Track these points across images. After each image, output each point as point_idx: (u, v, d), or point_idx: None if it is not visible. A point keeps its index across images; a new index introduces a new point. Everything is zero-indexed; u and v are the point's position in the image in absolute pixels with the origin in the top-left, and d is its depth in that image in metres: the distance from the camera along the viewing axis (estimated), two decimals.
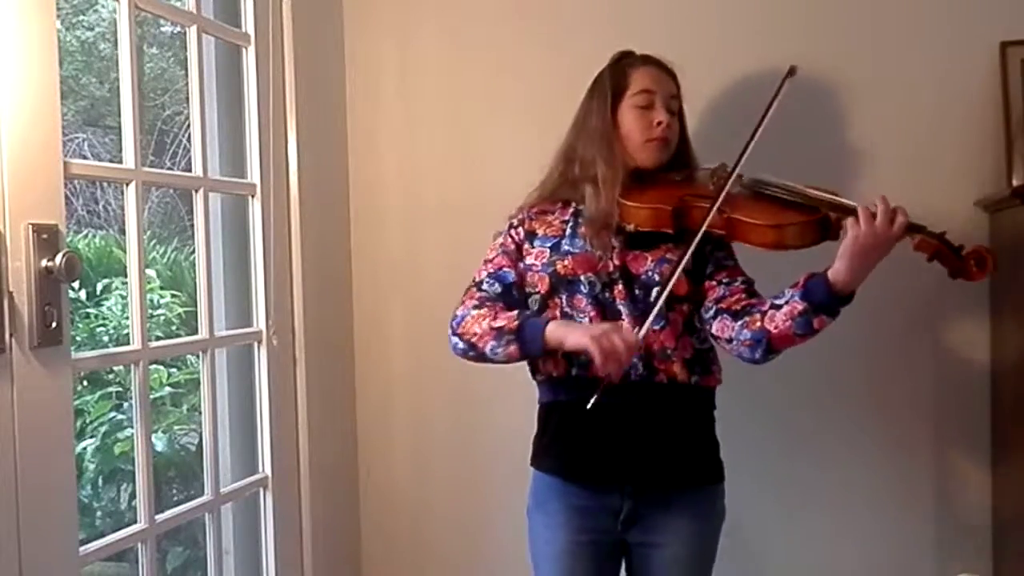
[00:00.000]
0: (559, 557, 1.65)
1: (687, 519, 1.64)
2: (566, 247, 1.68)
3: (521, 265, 1.71)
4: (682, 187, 1.68)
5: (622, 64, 1.72)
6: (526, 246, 1.72)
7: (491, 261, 1.73)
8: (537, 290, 1.68)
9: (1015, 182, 1.91)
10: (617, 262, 1.64)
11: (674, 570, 1.66)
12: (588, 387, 1.56)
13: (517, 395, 1.91)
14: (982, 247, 1.53)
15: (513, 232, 1.74)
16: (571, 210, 1.72)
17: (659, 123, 1.66)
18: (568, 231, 1.70)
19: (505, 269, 1.70)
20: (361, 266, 2.32)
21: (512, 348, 1.58)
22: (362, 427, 2.34)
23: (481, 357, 1.63)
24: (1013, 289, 1.88)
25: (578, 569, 1.65)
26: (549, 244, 1.70)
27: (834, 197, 1.58)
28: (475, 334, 1.61)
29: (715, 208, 1.57)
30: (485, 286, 1.69)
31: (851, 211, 1.51)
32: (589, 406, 1.51)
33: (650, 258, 1.65)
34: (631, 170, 1.68)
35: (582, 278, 1.65)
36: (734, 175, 1.60)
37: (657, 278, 1.62)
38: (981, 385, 2.04)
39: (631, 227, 1.65)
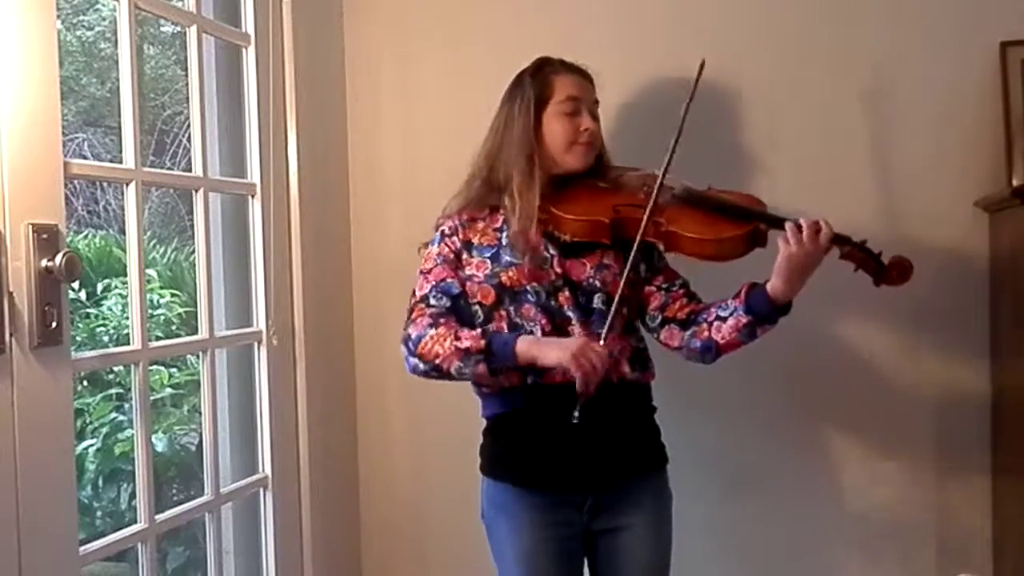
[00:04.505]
0: (527, 556, 1.67)
1: (647, 501, 1.71)
2: (507, 257, 1.68)
3: (461, 274, 1.70)
4: (613, 195, 1.71)
5: (545, 71, 1.74)
6: (464, 256, 1.71)
7: (430, 272, 1.71)
8: (479, 300, 1.68)
9: (1015, 182, 1.91)
10: (559, 270, 1.68)
11: (639, 549, 1.70)
12: (543, 395, 1.63)
13: None
14: (902, 258, 1.63)
15: (448, 241, 1.73)
16: (501, 218, 1.72)
17: (585, 129, 1.70)
18: (503, 240, 1.70)
19: (448, 280, 1.69)
20: (361, 266, 2.32)
21: (480, 367, 1.59)
22: (362, 427, 2.34)
23: (444, 377, 1.63)
24: (1013, 289, 1.88)
25: (546, 565, 1.67)
26: (488, 254, 1.70)
27: (763, 209, 1.68)
28: (438, 355, 1.60)
29: (648, 219, 1.61)
30: (432, 301, 1.67)
31: (780, 223, 1.60)
32: (575, 420, 1.56)
33: (588, 264, 1.69)
34: (552, 177, 1.72)
35: (528, 288, 1.66)
36: (658, 185, 1.63)
37: (598, 284, 1.68)
38: (981, 385, 2.03)
39: (566, 238, 1.68)
